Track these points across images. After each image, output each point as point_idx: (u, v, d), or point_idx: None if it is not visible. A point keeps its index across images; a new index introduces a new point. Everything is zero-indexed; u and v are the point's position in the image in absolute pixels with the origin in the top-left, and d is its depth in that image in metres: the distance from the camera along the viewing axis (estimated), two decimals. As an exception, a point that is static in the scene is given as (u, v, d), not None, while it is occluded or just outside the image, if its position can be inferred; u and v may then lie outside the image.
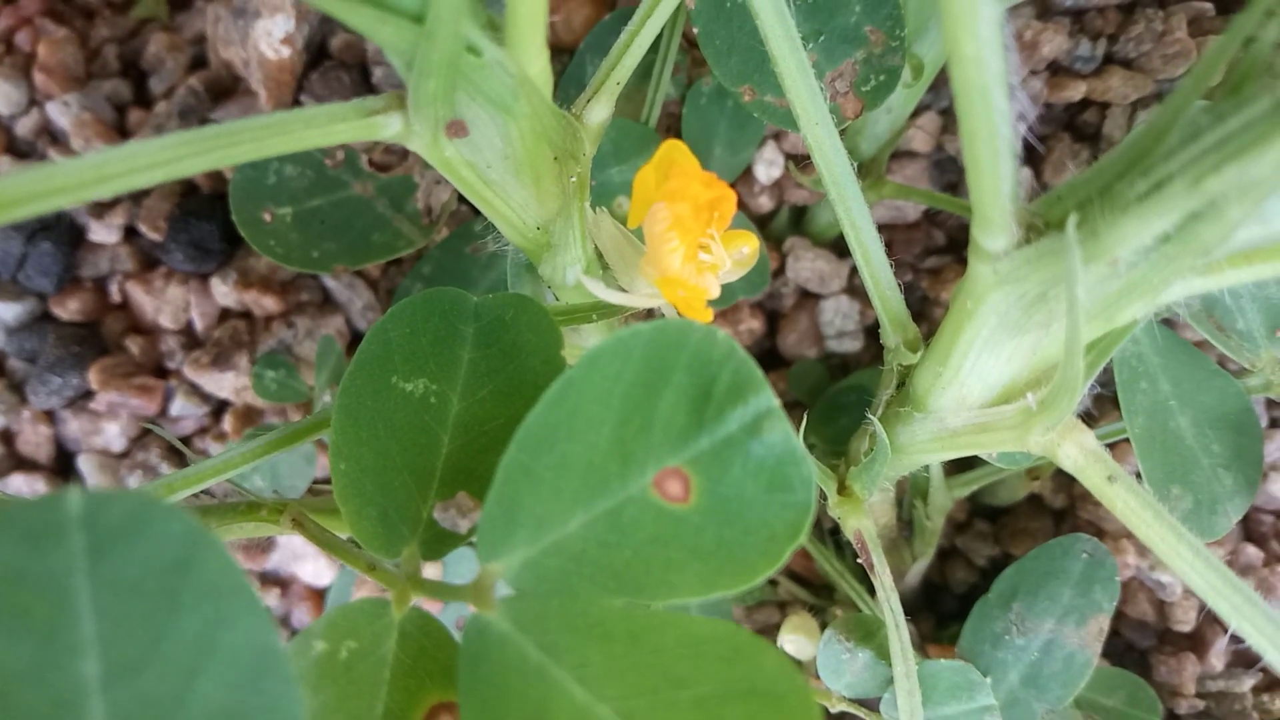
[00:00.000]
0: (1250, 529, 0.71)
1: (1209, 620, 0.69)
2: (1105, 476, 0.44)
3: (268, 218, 0.59)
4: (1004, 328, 0.43)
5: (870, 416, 0.50)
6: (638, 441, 0.37)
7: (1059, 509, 0.71)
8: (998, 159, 0.34)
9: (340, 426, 0.43)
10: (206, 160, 0.35)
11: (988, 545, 0.71)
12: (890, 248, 0.71)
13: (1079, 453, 0.45)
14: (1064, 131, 0.68)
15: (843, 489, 0.56)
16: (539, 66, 0.40)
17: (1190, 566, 0.43)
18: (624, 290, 0.49)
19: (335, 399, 0.44)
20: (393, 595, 0.41)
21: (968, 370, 0.45)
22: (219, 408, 0.69)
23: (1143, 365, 0.54)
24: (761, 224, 0.72)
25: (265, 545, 0.71)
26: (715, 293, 0.44)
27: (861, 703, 0.57)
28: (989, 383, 0.46)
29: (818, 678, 0.58)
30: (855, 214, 0.48)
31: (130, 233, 0.70)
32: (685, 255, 0.42)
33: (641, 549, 0.37)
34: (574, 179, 0.48)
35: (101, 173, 0.33)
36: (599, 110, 0.46)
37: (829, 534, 0.68)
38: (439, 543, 0.42)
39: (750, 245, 0.45)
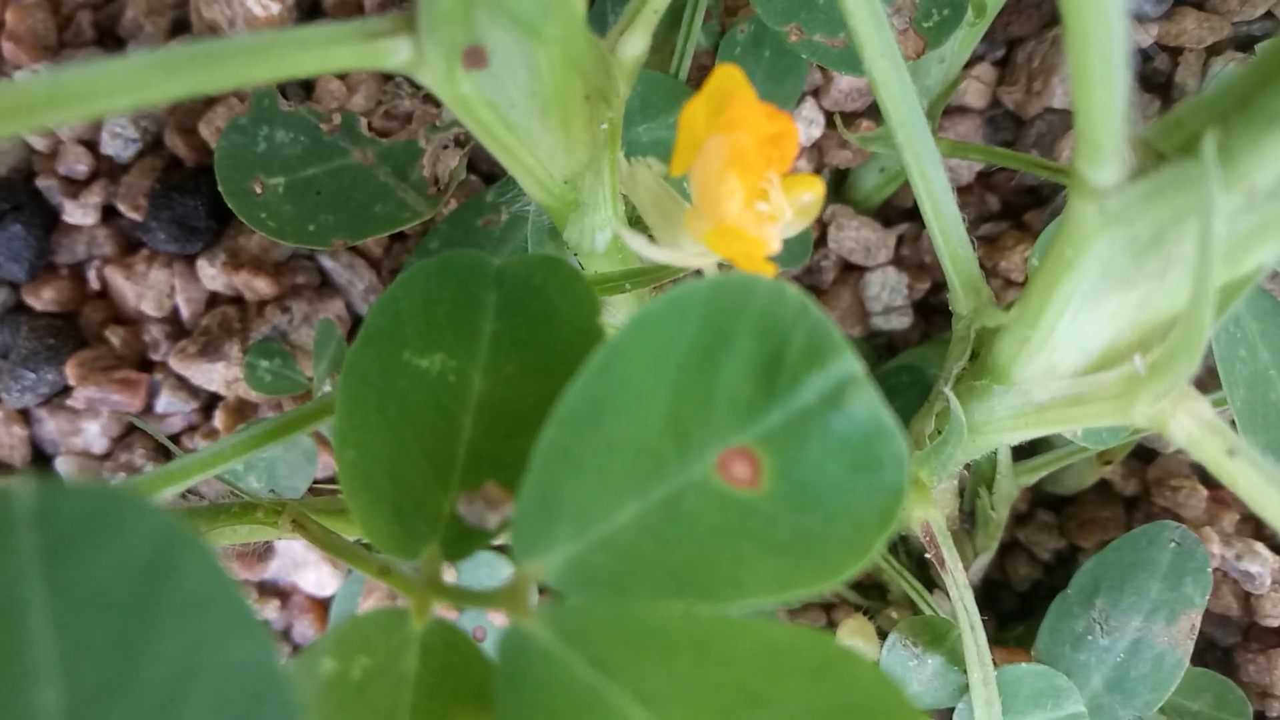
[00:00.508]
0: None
1: (1299, 614, 0.64)
2: (1225, 450, 0.39)
3: (258, 189, 0.54)
4: (1109, 279, 0.37)
5: (945, 390, 0.44)
6: (697, 417, 0.32)
7: (1130, 496, 0.66)
8: (1111, 67, 0.29)
9: (346, 410, 0.38)
10: (179, 85, 0.29)
11: (1052, 538, 0.65)
12: (938, 214, 0.66)
13: (1194, 424, 0.39)
14: (1134, 81, 0.62)
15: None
16: (572, -21, 0.35)
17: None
18: (667, 249, 0.43)
19: (340, 379, 0.38)
20: (412, 603, 0.35)
21: (1061, 332, 0.40)
22: (209, 402, 0.64)
23: (1240, 331, 0.49)
24: (798, 192, 0.67)
25: (263, 553, 0.65)
26: (776, 246, 0.38)
27: (933, 713, 0.52)
28: (1086, 347, 0.40)
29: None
30: (924, 159, 0.43)
31: (109, 213, 0.64)
32: (745, 199, 0.36)
33: (705, 543, 0.32)
34: (605, 126, 0.42)
35: (55, 94, 0.28)
36: (635, 43, 0.41)
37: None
38: (464, 541, 0.37)
39: (815, 191, 0.39)
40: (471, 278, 0.40)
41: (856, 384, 0.31)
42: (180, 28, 0.65)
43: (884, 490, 0.31)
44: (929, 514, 0.49)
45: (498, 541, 0.38)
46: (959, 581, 0.47)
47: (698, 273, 0.48)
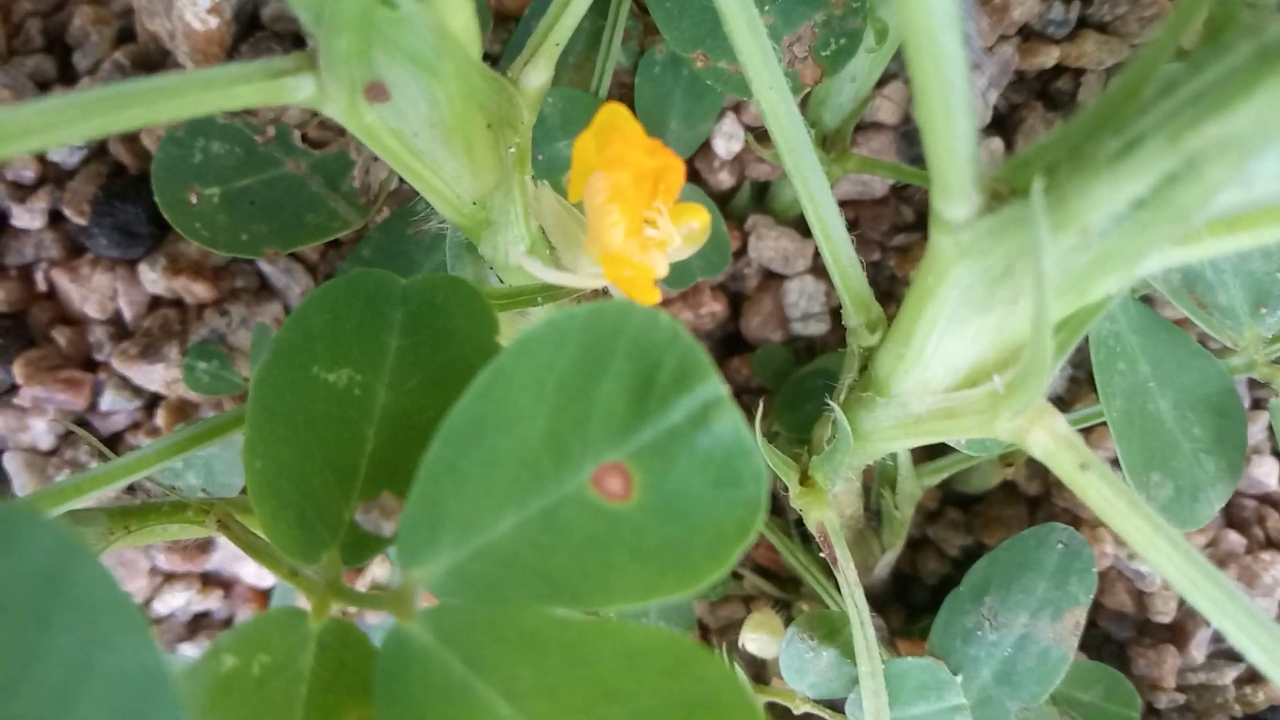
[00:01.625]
0: (1232, 514, 0.68)
1: (1190, 611, 0.67)
2: (1078, 464, 0.41)
3: (194, 199, 0.56)
4: (968, 305, 0.40)
5: (830, 403, 0.47)
6: (574, 435, 0.34)
7: (1034, 496, 0.69)
8: (952, 115, 0.31)
9: (255, 422, 0.40)
10: (90, 126, 0.32)
11: (960, 535, 0.68)
12: (857, 225, 0.68)
13: (1050, 439, 0.42)
14: (1036, 100, 0.65)
15: (805, 479, 0.53)
16: (462, 22, 0.37)
17: (1168, 560, 0.40)
18: (568, 270, 0.46)
19: (250, 391, 0.40)
20: (311, 603, 0.38)
21: (930, 351, 0.42)
22: (152, 401, 0.66)
23: (1120, 345, 0.51)
24: (722, 202, 0.69)
25: (205, 546, 0.68)
26: (663, 271, 0.41)
27: (827, 703, 0.55)
28: (953, 365, 0.43)
29: (781, 677, 0.55)
30: (812, 184, 0.45)
31: (56, 217, 0.66)
32: (628, 230, 0.39)
33: (578, 551, 0.34)
34: (512, 150, 0.44)
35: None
36: (537, 74, 0.43)
37: (795, 525, 0.65)
38: (361, 547, 0.39)
39: (701, 220, 0.42)
40: (379, 296, 0.43)
41: (721, 405, 0.33)
42: (126, 36, 0.67)
43: (743, 503, 0.33)
44: (824, 515, 0.51)
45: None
46: (850, 580, 0.50)
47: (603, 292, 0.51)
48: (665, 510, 0.33)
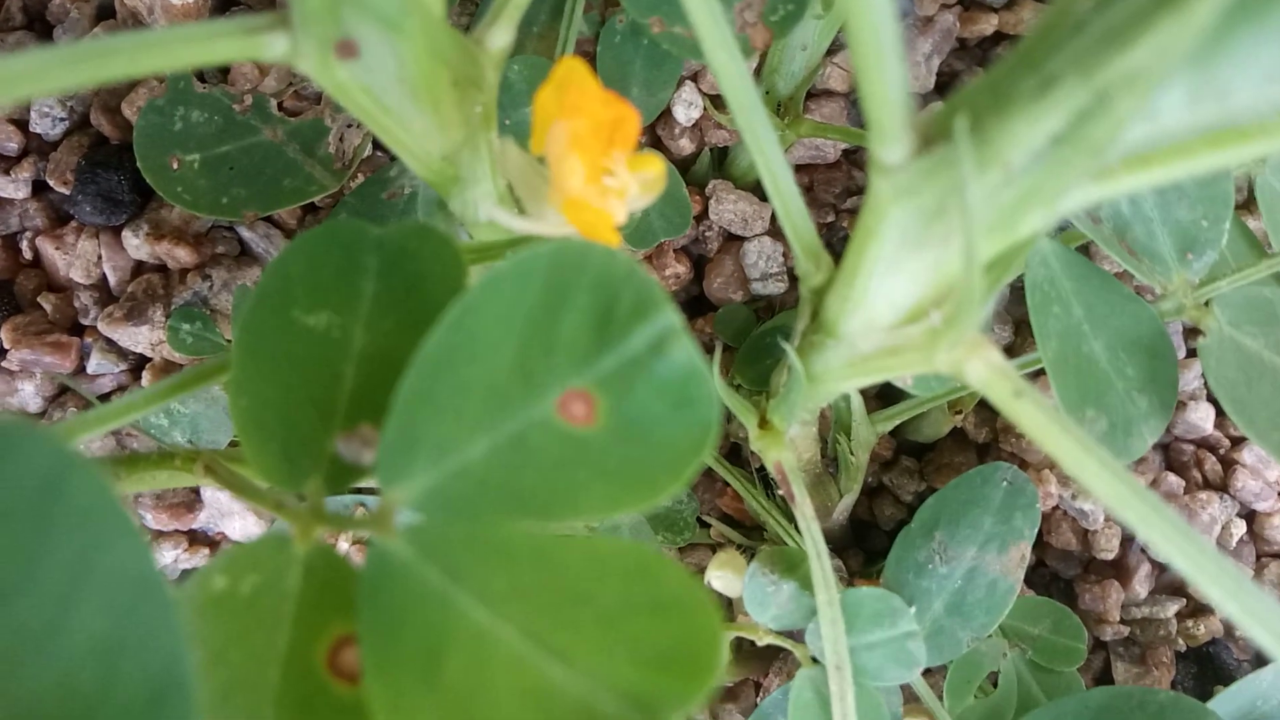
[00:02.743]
0: (1171, 458, 0.72)
1: (1132, 548, 0.70)
2: (1012, 392, 0.44)
3: (175, 165, 0.58)
4: (906, 244, 0.43)
5: (785, 346, 0.50)
6: (540, 364, 0.36)
7: (983, 443, 0.72)
8: (883, 59, 0.34)
9: (241, 362, 0.42)
10: (75, 75, 0.34)
11: (914, 481, 0.71)
12: (811, 188, 0.71)
13: (985, 369, 0.44)
14: (977, 66, 0.68)
15: (764, 423, 0.56)
16: (426, -18, 0.39)
17: (1098, 479, 0.43)
18: (535, 221, 0.48)
19: (235, 335, 0.43)
20: (296, 529, 0.40)
21: (874, 291, 0.45)
22: (138, 364, 0.68)
23: (1055, 290, 0.54)
24: (683, 167, 0.72)
25: (191, 504, 0.70)
26: (621, 217, 0.43)
27: (789, 634, 0.58)
28: (896, 302, 0.46)
29: (746, 613, 0.58)
30: (762, 139, 0.48)
31: (40, 187, 0.68)
32: (587, 176, 0.41)
33: (547, 472, 0.36)
34: (479, 109, 0.47)
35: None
36: (499, 35, 0.46)
37: (757, 473, 0.68)
38: (342, 475, 0.41)
39: (656, 168, 0.44)
40: (354, 244, 0.45)
41: (676, 334, 0.36)
42: (105, 13, 0.69)
43: (698, 423, 0.36)
44: (782, 456, 0.54)
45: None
46: (806, 513, 0.53)
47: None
48: (626, 432, 0.36)
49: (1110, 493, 0.43)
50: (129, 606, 0.28)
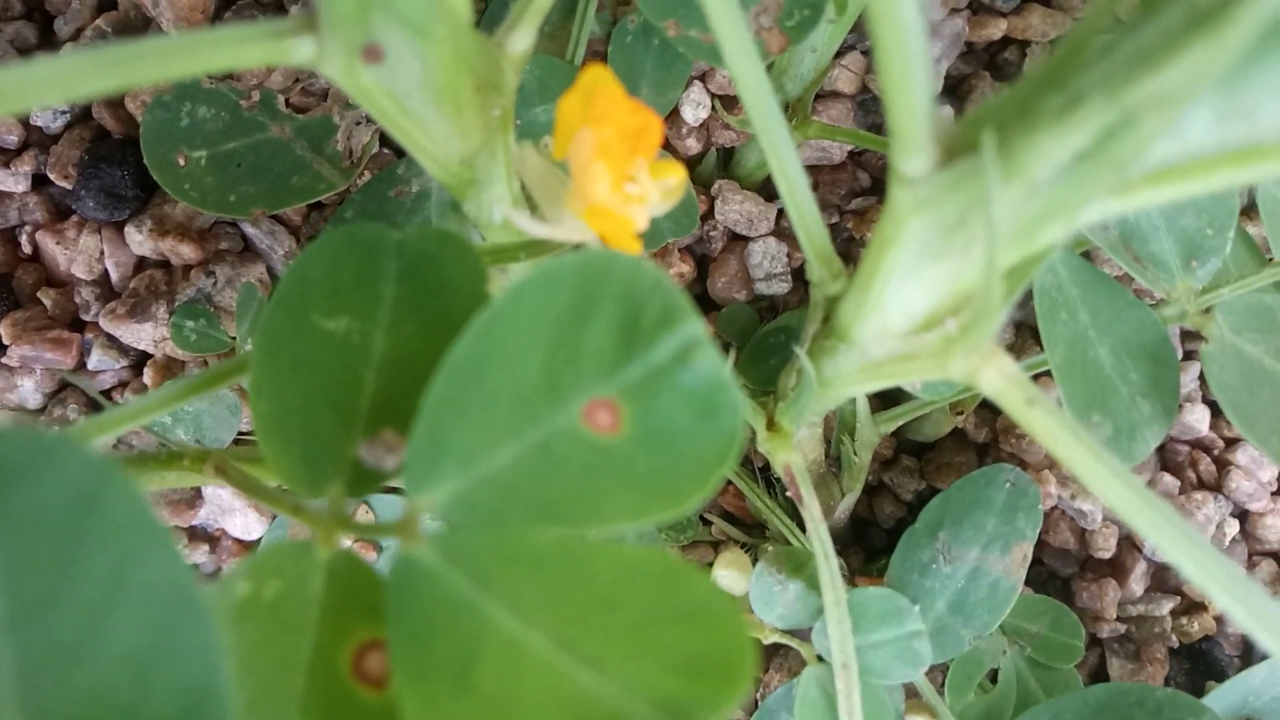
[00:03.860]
0: (1167, 459, 0.73)
1: (1129, 547, 0.71)
2: (1024, 400, 0.45)
3: (182, 161, 0.58)
4: (924, 254, 0.43)
5: (797, 350, 0.50)
6: (567, 372, 0.36)
7: (982, 443, 0.73)
8: (911, 74, 0.34)
9: (260, 365, 0.42)
10: (106, 81, 0.34)
11: (914, 480, 0.72)
12: (816, 189, 0.71)
13: (999, 377, 0.45)
14: (985, 70, 0.68)
15: (771, 425, 0.56)
16: (455, -12, 0.39)
17: (1108, 486, 0.44)
18: (551, 225, 0.48)
19: (255, 338, 0.43)
20: (319, 535, 0.41)
21: (890, 298, 0.46)
22: (139, 360, 0.67)
23: (1062, 296, 0.55)
24: (690, 167, 0.72)
25: (191, 500, 0.69)
26: (643, 225, 0.44)
27: (794, 633, 0.58)
28: (911, 310, 0.46)
29: (751, 612, 0.59)
30: (779, 144, 0.48)
31: (40, 181, 0.67)
32: (611, 184, 0.42)
33: (573, 480, 0.37)
34: (497, 111, 0.47)
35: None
36: (521, 39, 0.45)
37: (760, 473, 0.69)
38: (364, 481, 0.42)
39: (677, 175, 0.45)
40: (375, 248, 0.45)
41: (701, 344, 0.36)
42: (108, 4, 0.68)
43: (723, 433, 0.36)
44: (790, 458, 0.55)
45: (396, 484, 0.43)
46: (814, 515, 0.53)
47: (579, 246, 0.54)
48: (651, 441, 0.36)
49: (1121, 499, 0.44)
50: (165, 618, 0.28)
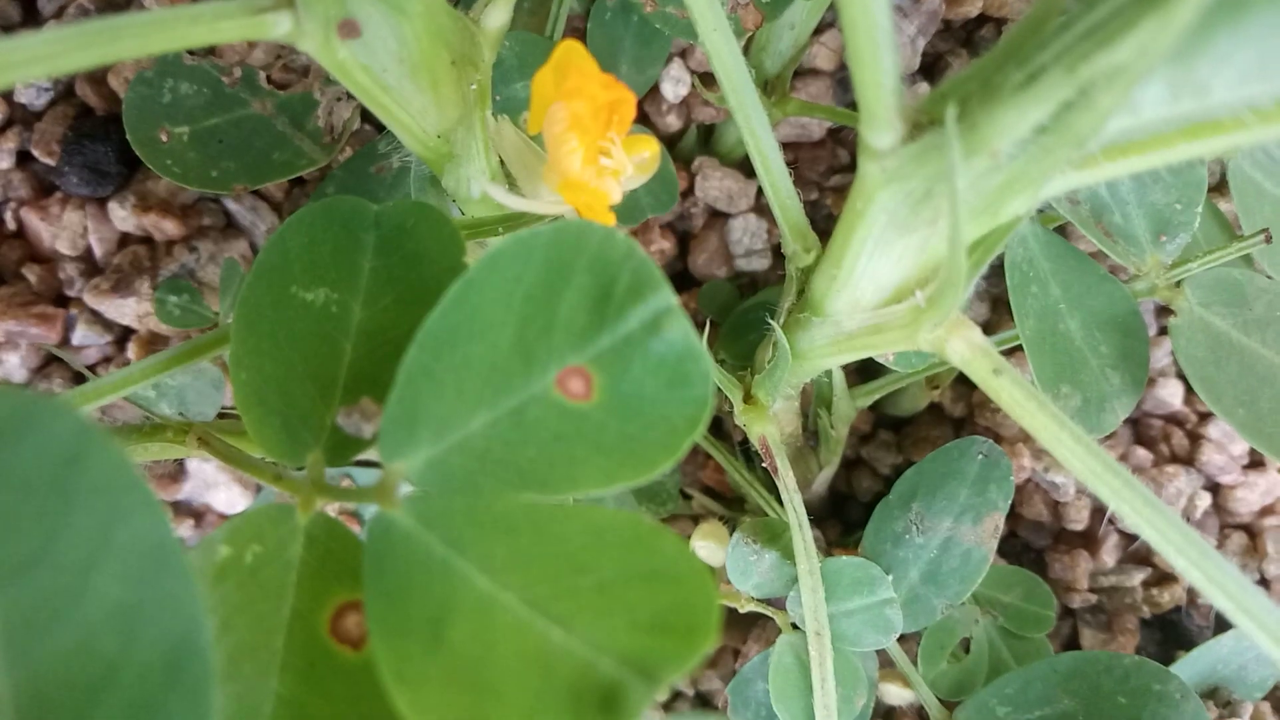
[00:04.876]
0: (1141, 432, 0.74)
1: (1100, 519, 0.72)
2: (991, 369, 0.46)
3: (164, 137, 0.58)
4: (893, 227, 0.44)
5: (771, 323, 0.51)
6: (540, 341, 0.37)
7: (958, 417, 0.74)
8: (878, 50, 0.35)
9: (240, 336, 0.43)
10: (87, 55, 0.34)
11: (891, 454, 0.73)
12: (795, 166, 0.72)
13: (966, 347, 0.46)
14: (961, 47, 0.69)
15: (748, 398, 0.57)
16: (429, -36, 0.40)
17: (1072, 453, 0.45)
18: (528, 198, 0.49)
19: (235, 310, 0.43)
20: (298, 500, 0.41)
21: (860, 271, 0.47)
22: (123, 335, 0.68)
23: (1033, 270, 0.56)
24: (670, 144, 0.73)
25: (176, 475, 0.70)
26: (617, 197, 0.44)
27: (769, 602, 0.59)
28: (881, 283, 0.47)
29: (728, 582, 0.60)
30: (753, 120, 0.49)
31: (24, 158, 0.68)
32: (585, 157, 0.42)
33: (545, 446, 0.37)
34: (474, 86, 0.47)
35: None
36: (497, 15, 0.46)
37: (739, 447, 0.70)
38: (343, 448, 0.42)
39: (650, 150, 0.45)
40: (353, 220, 0.46)
41: (672, 314, 0.37)
42: (88, -20, 0.69)
43: (693, 401, 0.37)
44: (766, 429, 0.56)
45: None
46: (789, 485, 0.54)
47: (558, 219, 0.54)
48: (623, 408, 0.37)
49: (1084, 467, 0.45)
50: (148, 575, 0.28)
